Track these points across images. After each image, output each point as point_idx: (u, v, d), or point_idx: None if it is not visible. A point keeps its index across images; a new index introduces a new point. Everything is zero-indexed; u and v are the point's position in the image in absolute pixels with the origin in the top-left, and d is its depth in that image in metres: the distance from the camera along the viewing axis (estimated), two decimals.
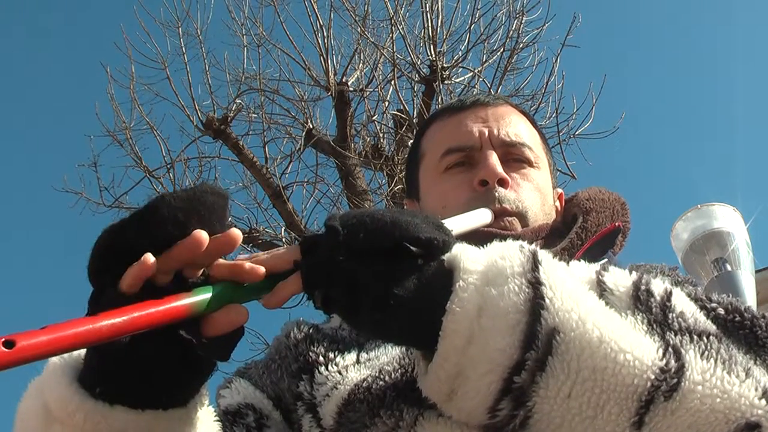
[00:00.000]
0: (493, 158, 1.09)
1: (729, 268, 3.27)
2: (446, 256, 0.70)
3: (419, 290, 0.68)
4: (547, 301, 0.66)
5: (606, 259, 1.04)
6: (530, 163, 1.14)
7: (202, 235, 0.64)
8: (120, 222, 0.66)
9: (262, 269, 0.68)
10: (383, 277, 0.67)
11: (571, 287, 0.69)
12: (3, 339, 0.52)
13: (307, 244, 0.70)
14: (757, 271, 3.47)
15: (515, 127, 1.15)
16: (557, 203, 1.20)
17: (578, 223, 1.10)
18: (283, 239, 6.53)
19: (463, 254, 0.70)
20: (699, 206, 3.45)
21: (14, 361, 0.52)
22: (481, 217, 1.03)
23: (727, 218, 3.38)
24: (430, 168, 1.16)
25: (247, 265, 0.67)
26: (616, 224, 1.09)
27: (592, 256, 1.02)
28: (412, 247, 0.68)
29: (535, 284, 0.67)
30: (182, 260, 0.65)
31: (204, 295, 0.65)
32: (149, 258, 0.63)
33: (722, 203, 3.44)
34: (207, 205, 0.67)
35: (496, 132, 1.13)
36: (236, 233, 0.66)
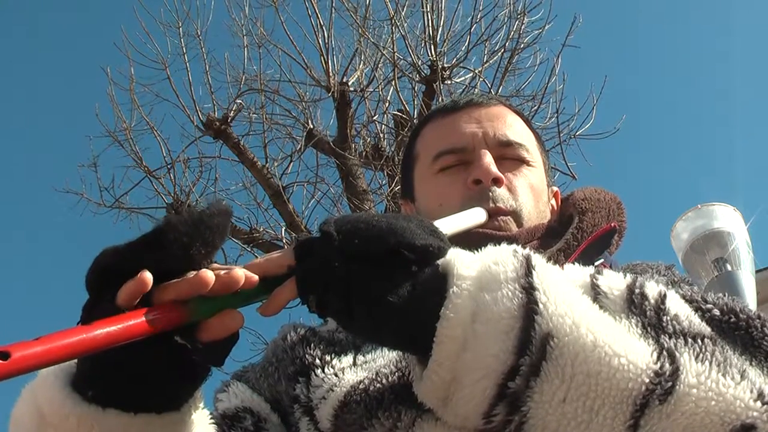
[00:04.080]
0: (487, 158, 1.09)
1: (729, 268, 3.26)
2: (440, 262, 0.70)
3: (413, 296, 0.68)
4: (540, 306, 0.66)
5: (602, 260, 1.04)
6: (525, 163, 1.13)
7: (208, 275, 0.65)
8: (126, 245, 0.66)
9: (255, 278, 0.68)
10: (378, 283, 0.67)
11: (564, 292, 0.69)
12: None
13: (301, 248, 0.70)
14: (757, 271, 3.47)
15: (509, 127, 1.15)
16: (552, 201, 1.20)
17: (574, 223, 1.10)
18: (284, 239, 6.53)
19: (457, 260, 0.70)
20: (699, 206, 3.45)
21: (9, 373, 0.52)
22: (476, 216, 1.03)
23: (727, 218, 3.38)
24: (425, 169, 1.16)
25: (241, 272, 0.67)
26: (612, 224, 1.09)
27: (588, 257, 1.03)
28: (407, 253, 0.68)
29: (529, 289, 0.67)
30: (185, 295, 0.65)
31: (199, 302, 0.65)
32: (146, 276, 0.63)
33: (722, 203, 3.44)
34: (212, 227, 0.67)
35: (490, 132, 1.13)
36: (238, 275, 0.67)
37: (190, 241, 0.66)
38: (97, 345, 0.58)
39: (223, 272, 0.66)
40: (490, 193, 1.07)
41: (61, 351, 0.56)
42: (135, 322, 0.61)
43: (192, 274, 0.66)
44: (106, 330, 0.59)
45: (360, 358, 0.90)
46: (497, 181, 1.08)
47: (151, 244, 0.65)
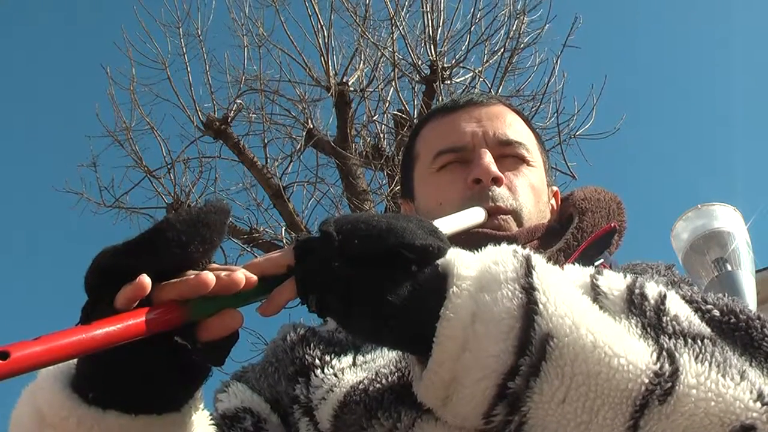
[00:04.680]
0: (487, 157, 1.09)
1: (729, 268, 3.26)
2: (440, 262, 0.70)
3: (413, 296, 0.68)
4: (540, 306, 0.66)
5: (602, 260, 1.04)
6: (525, 162, 1.14)
7: (209, 278, 0.64)
8: (124, 244, 0.65)
9: (255, 279, 0.68)
10: (377, 283, 0.67)
11: (564, 292, 0.69)
12: None
13: (301, 248, 0.70)
14: (757, 271, 3.46)
15: (509, 126, 1.15)
16: (552, 201, 1.20)
17: (574, 223, 1.10)
18: (284, 239, 6.53)
19: (457, 260, 0.70)
20: (699, 206, 3.45)
21: (9, 373, 0.52)
22: (475, 215, 1.03)
23: (727, 218, 3.37)
24: (424, 168, 1.16)
25: (241, 274, 0.67)
26: (612, 225, 1.09)
27: (588, 257, 1.02)
28: (406, 254, 0.68)
29: (529, 289, 0.67)
30: (184, 296, 0.65)
31: (199, 302, 0.65)
32: (144, 280, 0.63)
33: (722, 203, 3.44)
34: (210, 225, 0.67)
35: (490, 132, 1.13)
36: (239, 277, 0.66)
37: (189, 239, 0.65)
38: (97, 345, 0.58)
39: (223, 274, 0.66)
40: (490, 193, 1.07)
41: (60, 351, 0.55)
42: (134, 321, 0.61)
43: (191, 273, 0.66)
44: (105, 330, 0.59)
45: (360, 359, 0.89)
46: (497, 181, 1.08)
47: (149, 244, 0.65)
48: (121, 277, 0.64)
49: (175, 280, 0.65)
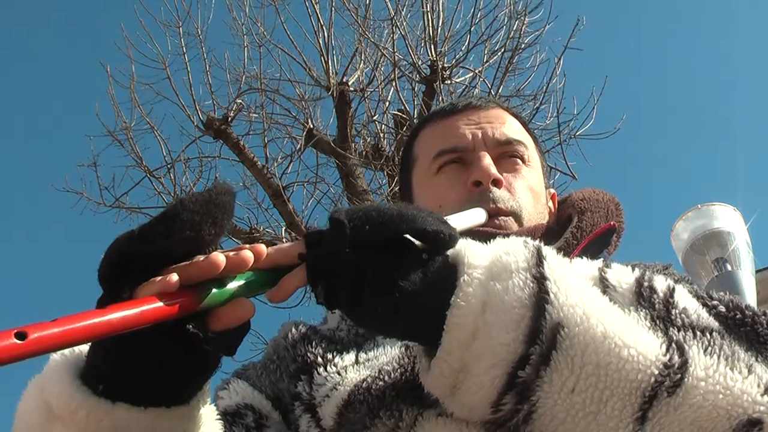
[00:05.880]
0: (487, 159, 1.10)
1: (729, 267, 3.27)
2: (451, 251, 0.70)
3: (424, 284, 0.67)
4: (551, 295, 0.66)
5: (602, 259, 1.04)
6: (523, 161, 1.14)
7: (219, 257, 0.64)
8: (140, 229, 0.65)
9: (264, 253, 0.67)
10: (388, 270, 0.67)
11: (575, 283, 0.69)
12: (16, 330, 0.51)
13: (312, 237, 0.69)
14: (757, 271, 3.47)
15: (508, 127, 1.16)
16: (550, 203, 1.21)
17: (573, 222, 1.10)
18: (284, 239, 6.52)
19: (468, 249, 0.70)
20: (699, 206, 3.46)
21: (27, 353, 0.52)
22: (476, 216, 1.03)
23: (727, 218, 3.38)
24: (423, 170, 1.16)
25: (249, 253, 0.66)
26: (612, 223, 1.09)
27: (588, 256, 1.02)
28: (417, 241, 0.68)
29: (540, 279, 0.67)
30: (195, 278, 0.65)
31: (212, 290, 0.65)
32: (174, 278, 0.62)
33: (722, 203, 3.44)
34: (220, 206, 0.67)
35: (489, 133, 1.14)
36: (248, 255, 0.66)
37: (202, 220, 0.65)
38: (113, 329, 0.57)
39: (232, 253, 0.66)
40: (491, 195, 1.07)
41: (77, 333, 0.55)
42: (149, 307, 0.60)
43: (201, 257, 0.65)
44: (121, 314, 0.58)
45: (362, 356, 0.89)
46: (497, 183, 1.09)
47: (166, 226, 0.64)
48: (135, 267, 0.64)
49: (184, 263, 0.65)
